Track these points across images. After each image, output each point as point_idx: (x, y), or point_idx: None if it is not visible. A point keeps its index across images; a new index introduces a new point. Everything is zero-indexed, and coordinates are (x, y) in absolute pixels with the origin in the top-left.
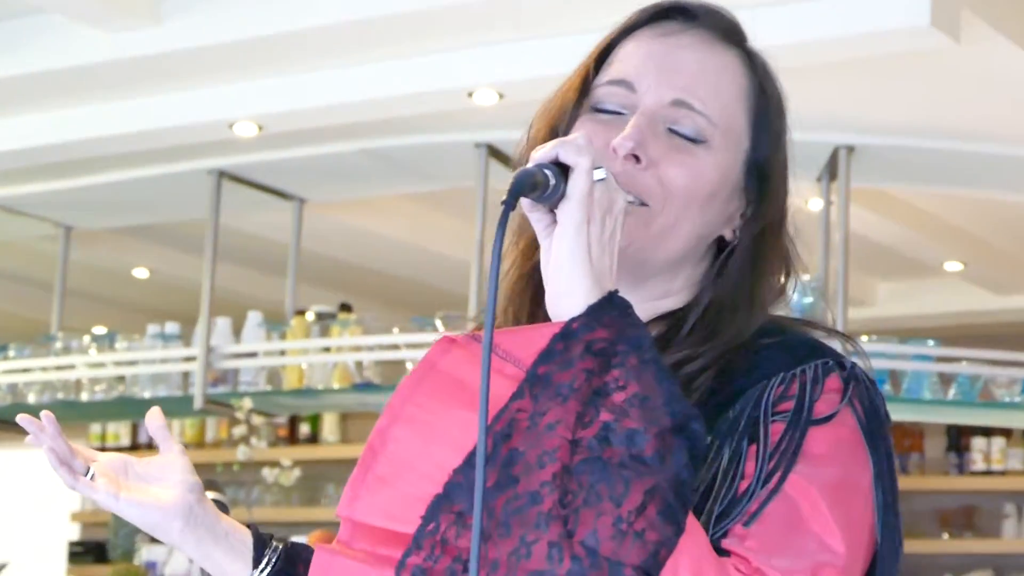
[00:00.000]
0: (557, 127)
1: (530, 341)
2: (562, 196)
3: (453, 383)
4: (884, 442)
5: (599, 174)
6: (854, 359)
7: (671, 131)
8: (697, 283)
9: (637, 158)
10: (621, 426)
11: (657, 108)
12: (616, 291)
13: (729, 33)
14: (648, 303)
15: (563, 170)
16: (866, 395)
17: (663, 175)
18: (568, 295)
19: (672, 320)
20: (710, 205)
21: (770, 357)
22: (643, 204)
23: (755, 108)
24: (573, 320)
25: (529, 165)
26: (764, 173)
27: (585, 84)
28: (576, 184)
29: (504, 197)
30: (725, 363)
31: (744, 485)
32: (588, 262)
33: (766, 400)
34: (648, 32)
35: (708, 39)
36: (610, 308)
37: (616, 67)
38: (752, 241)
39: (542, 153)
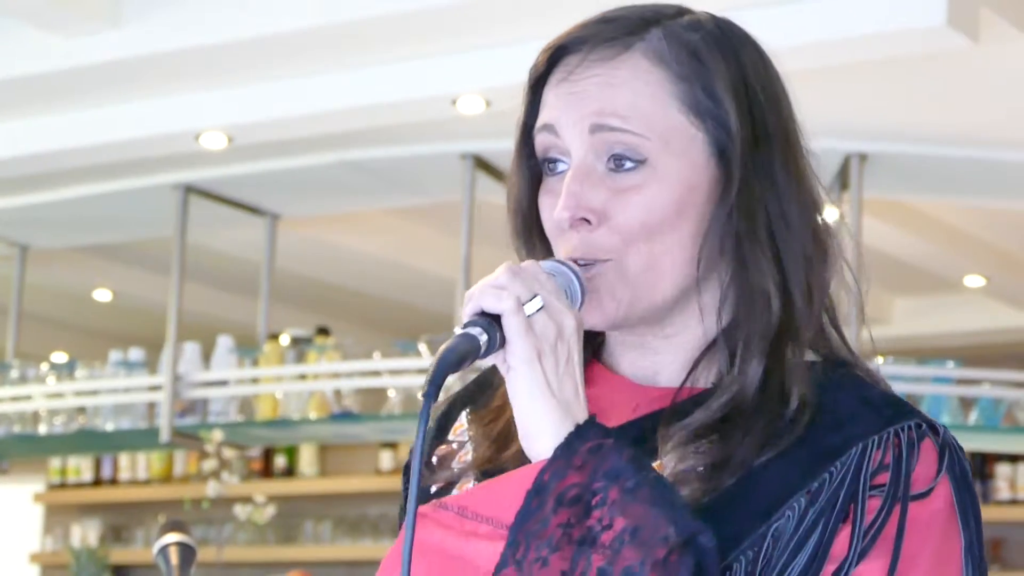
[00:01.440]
0: (517, 200)
1: (501, 498)
2: (503, 342)
3: (429, 553)
4: (976, 513)
5: (532, 307)
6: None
7: (609, 170)
8: (725, 292)
9: (586, 220)
10: (617, 568)
11: (581, 150)
12: (588, 419)
13: (625, 35)
14: (681, 338)
15: (494, 317)
16: (958, 463)
17: (616, 225)
18: (536, 436)
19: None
20: (681, 221)
21: (854, 413)
22: (607, 260)
23: (684, 92)
24: (544, 471)
25: (452, 336)
26: (729, 153)
27: (527, 145)
28: (510, 328)
29: (426, 380)
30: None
31: (831, 569)
32: (549, 397)
33: (864, 473)
34: (556, 75)
35: (607, 55)
36: (580, 443)
37: (541, 115)
38: (758, 226)
39: (466, 311)
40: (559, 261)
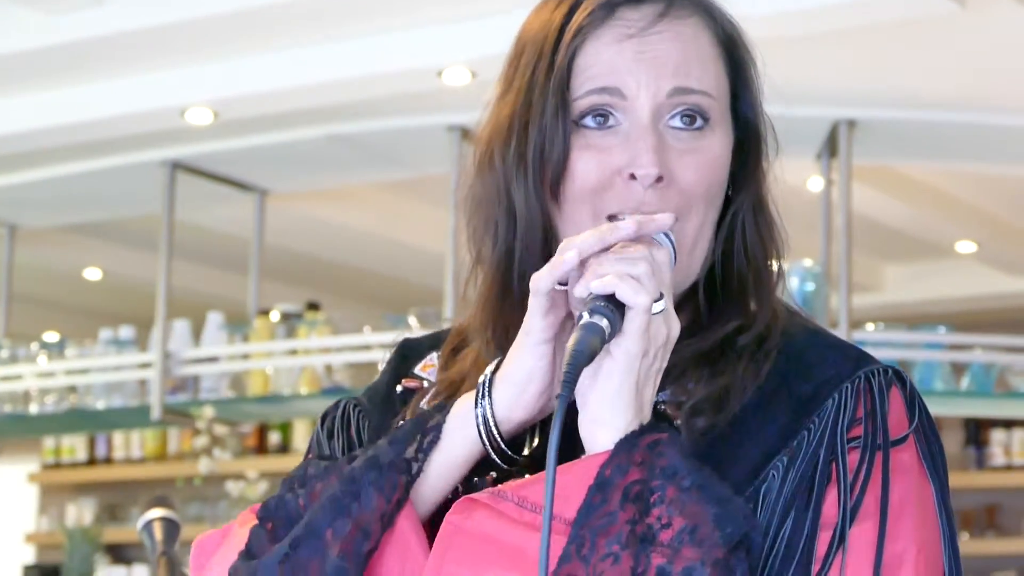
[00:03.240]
0: (541, 146)
1: (561, 489)
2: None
3: (484, 543)
4: (944, 463)
5: (657, 307)
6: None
7: (673, 128)
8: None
9: (662, 178)
10: (676, 567)
11: (656, 109)
12: (646, 423)
13: (691, 5)
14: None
15: (619, 303)
16: (925, 412)
17: (683, 185)
18: (606, 426)
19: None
20: (721, 190)
21: (822, 356)
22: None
23: (731, 68)
24: (605, 465)
25: (584, 316)
26: (754, 133)
27: (562, 98)
28: (633, 324)
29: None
30: (777, 358)
31: (827, 536)
32: (635, 395)
33: (841, 427)
34: (609, 31)
35: (674, 18)
36: (639, 439)
37: (590, 73)
38: (750, 205)
39: (598, 285)
40: (667, 235)
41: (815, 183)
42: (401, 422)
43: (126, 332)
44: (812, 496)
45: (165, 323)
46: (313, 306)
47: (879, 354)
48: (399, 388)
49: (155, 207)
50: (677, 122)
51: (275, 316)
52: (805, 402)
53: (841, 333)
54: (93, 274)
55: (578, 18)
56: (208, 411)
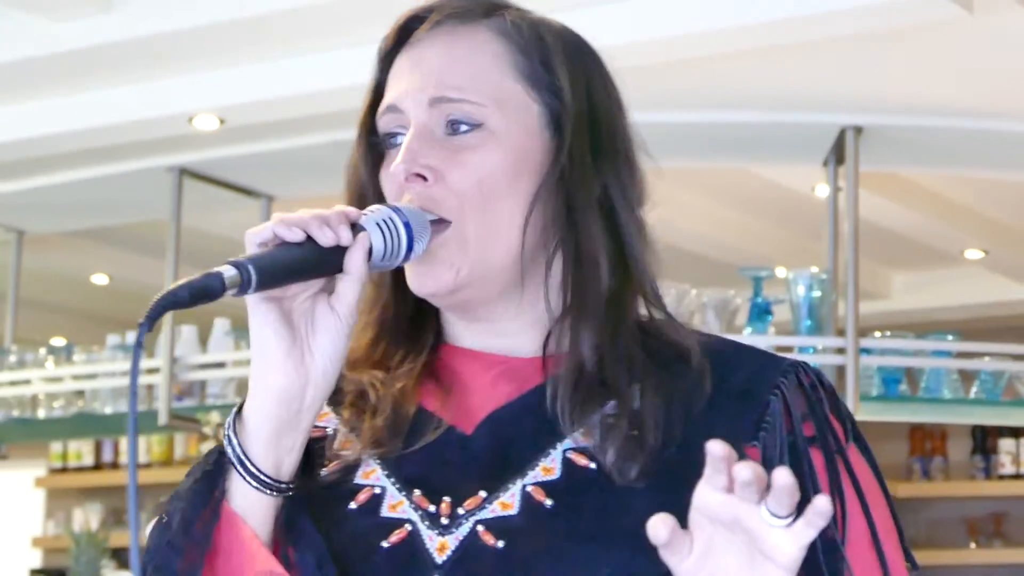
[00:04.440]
0: (358, 180)
1: None
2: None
3: None
4: (866, 443)
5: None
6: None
7: (446, 134)
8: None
9: (422, 177)
10: None
11: (422, 117)
12: None
13: (471, 12)
14: (527, 315)
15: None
16: (839, 399)
17: (450, 183)
18: None
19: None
20: (516, 185)
21: (739, 356)
22: (443, 220)
23: (523, 64)
24: None
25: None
26: (563, 123)
27: (369, 130)
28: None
29: None
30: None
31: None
32: None
33: (796, 430)
34: (403, 50)
35: (449, 29)
36: None
37: (388, 95)
38: (590, 197)
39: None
40: (392, 207)
41: (822, 190)
42: (321, 473)
43: (133, 337)
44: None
45: (172, 329)
46: None
47: (886, 362)
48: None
49: (162, 213)
50: (449, 129)
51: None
52: (742, 398)
53: (848, 341)
54: (100, 279)
55: (387, 37)
56: (214, 416)
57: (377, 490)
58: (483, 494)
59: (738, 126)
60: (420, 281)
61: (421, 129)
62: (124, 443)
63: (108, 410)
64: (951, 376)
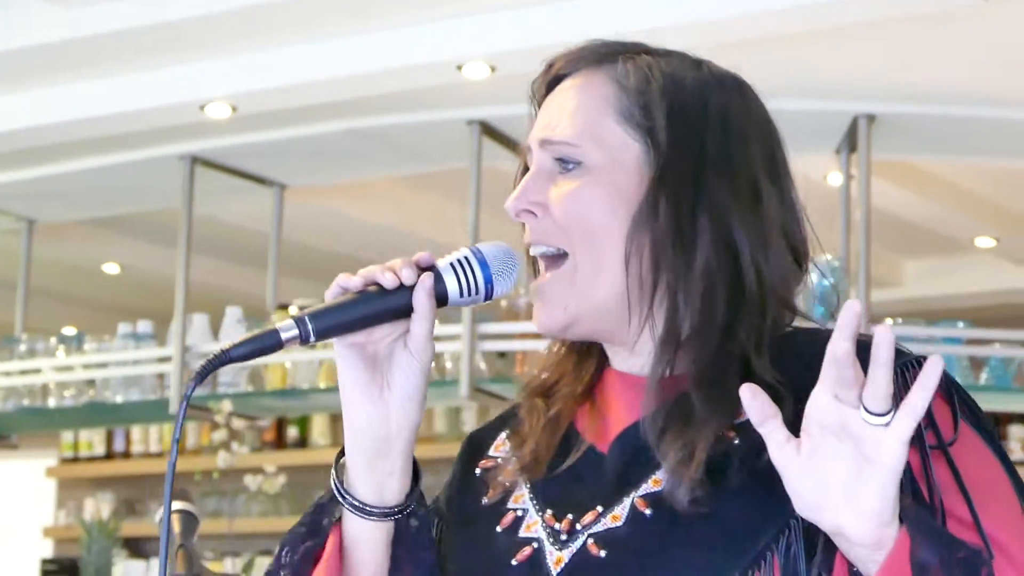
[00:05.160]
0: None
1: None
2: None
3: None
4: (997, 435)
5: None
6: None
7: (561, 174)
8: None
9: (532, 212)
10: None
11: (538, 157)
12: None
13: (595, 61)
14: (645, 346)
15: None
16: (959, 389)
17: (555, 215)
18: None
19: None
20: (615, 218)
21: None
22: (561, 252)
23: (624, 107)
24: None
25: None
26: (675, 184)
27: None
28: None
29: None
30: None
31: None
32: None
33: None
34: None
35: (577, 77)
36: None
37: None
38: (687, 231)
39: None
40: (472, 248)
41: (835, 178)
42: (484, 500)
43: (144, 326)
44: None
45: (184, 317)
46: None
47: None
48: (478, 471)
49: (174, 201)
50: (559, 167)
51: (293, 310)
52: None
53: (861, 328)
54: (111, 268)
55: (536, 87)
56: (226, 405)
57: (520, 512)
58: (600, 508)
59: None
60: (537, 320)
61: (538, 169)
62: (136, 432)
63: (119, 399)
64: (962, 363)
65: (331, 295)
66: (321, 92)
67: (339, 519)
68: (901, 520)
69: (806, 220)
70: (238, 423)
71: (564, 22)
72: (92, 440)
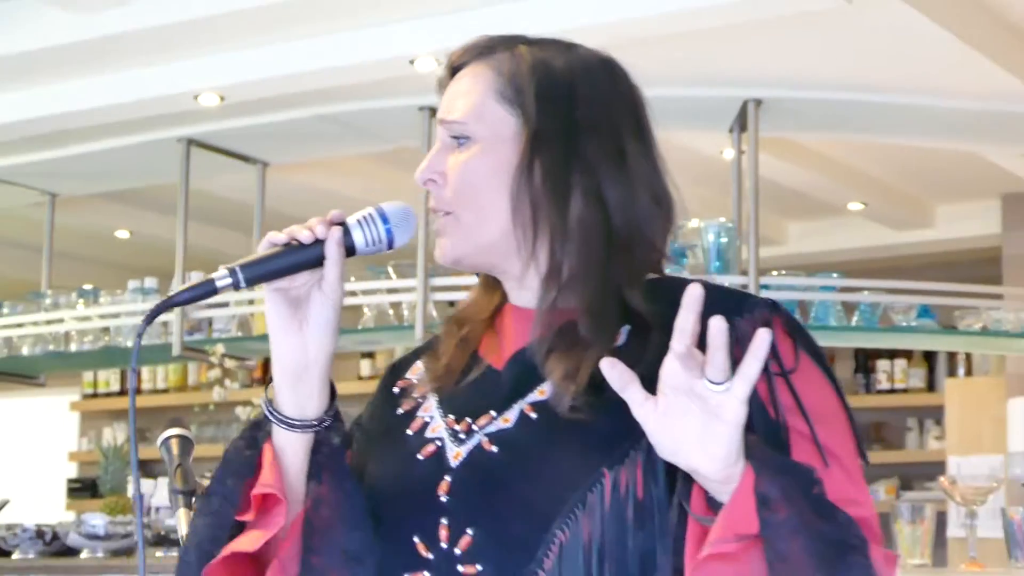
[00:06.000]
0: None
1: None
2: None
3: None
4: (831, 366)
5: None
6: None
7: (456, 148)
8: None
9: (434, 180)
10: None
11: (440, 135)
12: None
13: (480, 54)
14: (531, 272)
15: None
16: (799, 329)
17: (450, 182)
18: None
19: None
20: (497, 180)
21: (708, 305)
22: (448, 213)
23: (510, 93)
24: None
25: None
26: (548, 150)
27: None
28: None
29: None
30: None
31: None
32: None
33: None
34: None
35: (467, 68)
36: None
37: None
38: (564, 186)
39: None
40: (377, 208)
41: (728, 153)
42: (399, 411)
43: (150, 282)
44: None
45: (183, 275)
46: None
47: (782, 295)
48: (396, 390)
49: (173, 177)
50: (454, 143)
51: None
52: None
53: (750, 279)
54: (122, 234)
55: (442, 78)
56: (220, 348)
57: (427, 419)
58: (493, 413)
59: (656, 99)
60: (438, 254)
61: (440, 145)
62: (145, 372)
63: (130, 344)
64: (836, 308)
65: (261, 248)
66: (296, 83)
67: (269, 435)
68: (748, 457)
69: (667, 174)
70: (230, 363)
71: (492, 22)
72: (108, 379)
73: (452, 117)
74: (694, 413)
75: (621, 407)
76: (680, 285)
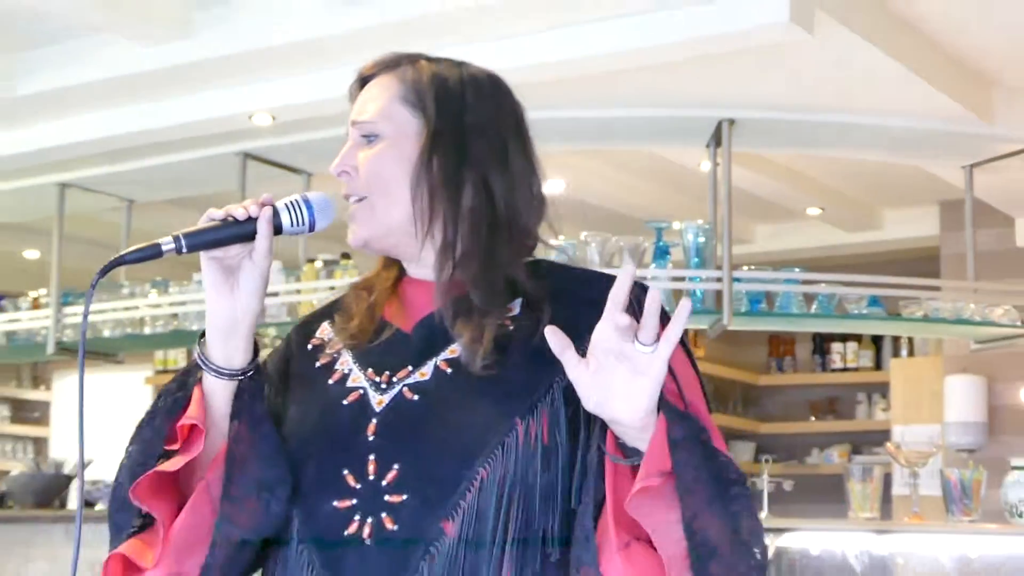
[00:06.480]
0: None
1: None
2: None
3: None
4: (688, 342)
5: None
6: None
7: (366, 144)
8: (438, 214)
9: (348, 172)
10: None
11: (352, 134)
12: None
13: (388, 67)
14: (429, 258)
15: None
16: (666, 312)
17: (361, 173)
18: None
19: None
20: (401, 170)
21: (586, 280)
22: (361, 199)
23: (412, 99)
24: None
25: None
26: (443, 146)
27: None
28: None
29: None
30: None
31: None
32: None
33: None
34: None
35: (378, 78)
36: None
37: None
38: (455, 177)
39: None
40: (303, 195)
41: (705, 165)
42: (317, 364)
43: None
44: None
45: None
46: (345, 256)
47: (752, 287)
48: (309, 347)
49: (232, 186)
50: (364, 141)
51: (319, 263)
52: (594, 304)
53: (724, 273)
54: None
55: (352, 86)
56: (271, 331)
57: (346, 371)
58: (410, 368)
59: (645, 119)
60: (350, 238)
61: (352, 142)
62: None
63: (195, 327)
64: (797, 298)
65: (202, 222)
66: (336, 105)
67: (199, 380)
68: (659, 410)
69: (543, 175)
70: (279, 343)
71: (515, 50)
72: (176, 357)
73: (363, 118)
74: (620, 372)
75: (523, 366)
76: (556, 268)
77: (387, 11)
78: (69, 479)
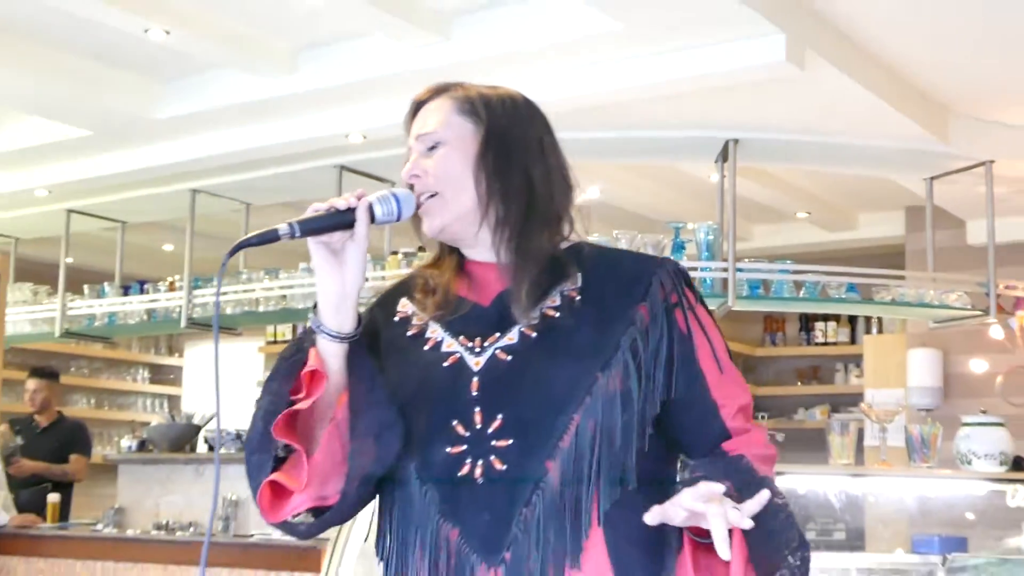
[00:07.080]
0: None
1: None
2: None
3: None
4: (708, 309)
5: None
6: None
7: (430, 152)
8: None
9: (417, 176)
10: None
11: (415, 146)
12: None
13: (439, 92)
14: (486, 238)
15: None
16: (695, 288)
17: (431, 175)
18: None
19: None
20: (464, 169)
21: (633, 258)
22: (433, 195)
23: (467, 109)
24: None
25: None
26: (495, 143)
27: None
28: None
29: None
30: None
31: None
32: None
33: (665, 297)
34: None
35: (432, 101)
36: None
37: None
38: (510, 172)
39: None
40: (392, 190)
41: (714, 177)
42: (408, 334)
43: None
44: (669, 327)
45: None
46: (421, 249)
47: (751, 276)
48: (396, 318)
49: (331, 193)
50: (428, 149)
51: (400, 255)
52: (633, 279)
53: (729, 265)
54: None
55: (409, 112)
56: (362, 311)
57: (439, 338)
58: (498, 334)
59: (666, 139)
60: (426, 227)
61: (417, 153)
62: None
63: (300, 306)
64: (788, 285)
65: (310, 212)
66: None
67: (314, 343)
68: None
69: (570, 167)
70: None
71: (533, 78)
72: (284, 331)
73: (427, 130)
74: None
75: (596, 329)
76: (596, 247)
77: (451, 53)
78: (198, 428)
